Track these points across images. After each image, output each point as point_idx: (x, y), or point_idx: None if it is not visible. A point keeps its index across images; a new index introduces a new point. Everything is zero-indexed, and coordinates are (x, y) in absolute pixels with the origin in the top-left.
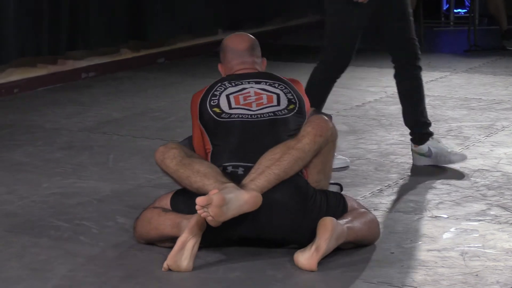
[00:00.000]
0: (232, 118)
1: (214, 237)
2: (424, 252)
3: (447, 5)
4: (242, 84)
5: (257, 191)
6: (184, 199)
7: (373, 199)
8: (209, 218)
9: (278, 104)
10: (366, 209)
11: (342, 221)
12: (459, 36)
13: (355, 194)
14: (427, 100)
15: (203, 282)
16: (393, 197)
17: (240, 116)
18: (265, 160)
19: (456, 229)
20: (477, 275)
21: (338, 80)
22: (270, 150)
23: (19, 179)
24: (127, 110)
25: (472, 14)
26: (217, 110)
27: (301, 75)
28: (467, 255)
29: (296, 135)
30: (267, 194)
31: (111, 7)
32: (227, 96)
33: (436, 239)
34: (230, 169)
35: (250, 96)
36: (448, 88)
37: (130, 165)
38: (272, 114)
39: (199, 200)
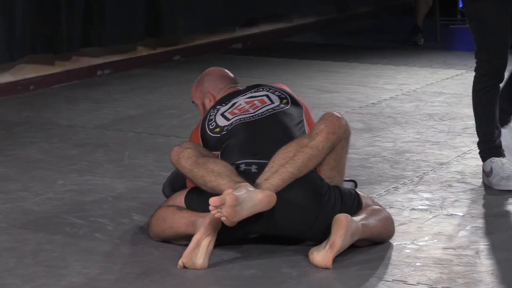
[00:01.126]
0: (233, 124)
1: (228, 235)
2: (440, 250)
3: None
4: (231, 101)
5: (271, 190)
6: (198, 198)
7: (389, 196)
8: (223, 219)
9: (272, 102)
10: (380, 206)
11: (357, 218)
12: None
13: (370, 192)
14: (443, 98)
15: (218, 280)
16: (408, 195)
17: (241, 119)
18: (279, 158)
19: (471, 227)
20: (492, 273)
21: (353, 78)
22: (283, 148)
23: (34, 176)
24: (142, 107)
25: None
26: (217, 130)
27: (313, 73)
28: (483, 253)
29: (303, 127)
30: (282, 193)
31: (128, 4)
32: (222, 115)
33: (452, 237)
34: (243, 167)
35: (243, 106)
36: (464, 86)
37: (146, 162)
38: (271, 110)
39: (212, 201)
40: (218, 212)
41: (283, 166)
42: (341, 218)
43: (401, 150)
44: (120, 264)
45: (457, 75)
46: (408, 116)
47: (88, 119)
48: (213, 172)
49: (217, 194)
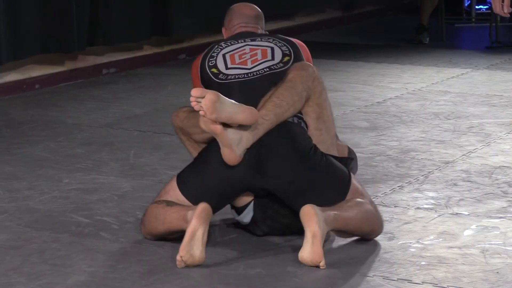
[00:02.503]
0: (229, 79)
1: (223, 192)
2: (445, 249)
3: (469, 2)
4: (238, 43)
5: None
6: (191, 173)
7: (394, 195)
8: (201, 112)
9: (273, 58)
10: (368, 198)
11: (330, 209)
12: (481, 33)
13: (375, 191)
14: (448, 97)
15: (223, 278)
16: (413, 194)
17: (236, 76)
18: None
19: (477, 226)
20: (498, 272)
21: (359, 77)
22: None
23: (40, 175)
24: (148, 106)
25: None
26: (214, 70)
27: (321, 72)
28: (488, 252)
29: None
30: (267, 137)
31: (134, 2)
32: (223, 56)
33: (457, 236)
34: None
35: (245, 53)
36: (470, 85)
37: (151, 161)
38: (267, 70)
39: (194, 91)
40: (198, 103)
41: (265, 101)
42: (307, 208)
43: (406, 149)
44: (125, 263)
45: (462, 74)
46: (414, 115)
47: (94, 118)
48: None
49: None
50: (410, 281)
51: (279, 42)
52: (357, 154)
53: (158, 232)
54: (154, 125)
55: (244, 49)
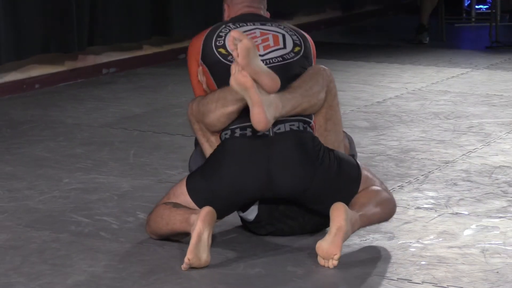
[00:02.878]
0: None
1: (232, 202)
2: (445, 249)
3: (469, 1)
4: (247, 25)
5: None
6: (201, 178)
7: (394, 195)
8: (234, 53)
9: (285, 46)
10: (378, 181)
11: (354, 209)
12: (481, 33)
13: None
14: (448, 96)
15: (223, 278)
16: (413, 194)
17: None
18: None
19: (477, 226)
20: (498, 272)
21: (359, 77)
22: None
23: (40, 175)
24: (148, 105)
25: (493, 10)
26: (223, 51)
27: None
28: (488, 252)
29: None
30: (274, 149)
31: (134, 2)
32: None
33: (457, 236)
34: (238, 132)
35: (256, 37)
36: (470, 85)
37: (151, 160)
38: (281, 59)
39: (234, 32)
40: (234, 44)
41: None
42: (339, 205)
43: (406, 149)
44: (125, 263)
45: (462, 73)
46: (414, 115)
47: (94, 118)
48: (218, 94)
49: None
50: (410, 281)
51: (290, 31)
52: (357, 154)
53: (162, 233)
54: (154, 125)
55: (255, 32)
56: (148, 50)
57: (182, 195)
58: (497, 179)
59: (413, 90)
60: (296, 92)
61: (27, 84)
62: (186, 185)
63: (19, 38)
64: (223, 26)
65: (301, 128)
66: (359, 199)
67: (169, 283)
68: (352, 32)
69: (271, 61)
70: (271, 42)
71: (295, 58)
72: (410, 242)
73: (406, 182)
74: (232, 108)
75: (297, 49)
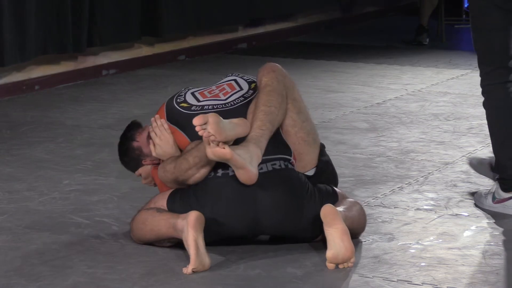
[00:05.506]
0: (205, 109)
1: (214, 236)
2: (445, 250)
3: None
4: (200, 86)
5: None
6: (180, 199)
7: (393, 196)
8: (211, 138)
9: (241, 88)
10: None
11: (340, 208)
12: None
13: (375, 192)
14: (448, 98)
15: (223, 279)
16: (413, 195)
17: (214, 106)
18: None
19: (476, 227)
20: (497, 273)
21: (358, 78)
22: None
23: (40, 176)
24: (147, 107)
25: None
26: (185, 105)
27: (319, 73)
28: (488, 253)
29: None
30: (260, 191)
31: (131, 3)
32: (192, 93)
33: (457, 237)
34: (220, 172)
35: (213, 90)
36: (469, 86)
37: None
38: (242, 99)
39: (196, 120)
40: (204, 130)
41: (254, 112)
42: (329, 208)
43: (406, 150)
44: (125, 264)
45: (462, 75)
46: (413, 116)
47: (94, 119)
48: (191, 148)
49: (203, 163)
50: (410, 282)
51: (238, 75)
52: (357, 155)
53: (147, 239)
54: None
55: (211, 87)
56: (147, 52)
57: (163, 208)
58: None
59: (413, 91)
60: (265, 122)
61: (27, 86)
62: (167, 204)
63: (22, 41)
64: (181, 90)
65: (282, 166)
66: (341, 203)
67: (168, 285)
68: (352, 33)
69: (234, 103)
70: (228, 89)
71: (254, 94)
72: (410, 244)
73: (406, 184)
74: (211, 165)
75: (253, 85)
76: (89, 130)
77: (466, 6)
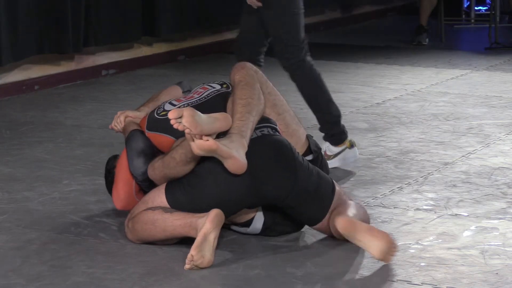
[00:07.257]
0: (181, 107)
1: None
2: (444, 250)
3: (468, 3)
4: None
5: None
6: (179, 188)
7: (393, 196)
8: (186, 131)
9: (213, 88)
10: (354, 199)
11: (349, 213)
12: (480, 34)
13: (375, 192)
14: (447, 98)
15: (223, 279)
16: (413, 195)
17: (189, 104)
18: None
19: (476, 227)
20: (497, 273)
21: (358, 78)
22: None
23: (40, 176)
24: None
25: (493, 12)
26: (164, 113)
27: (320, 73)
28: (487, 253)
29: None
30: (253, 157)
31: (131, 3)
32: (170, 102)
33: (456, 237)
34: None
35: (188, 96)
36: (469, 86)
37: None
38: (216, 91)
39: (171, 113)
40: (179, 123)
41: (231, 107)
42: (343, 221)
43: (406, 150)
44: (124, 264)
45: (461, 75)
46: (413, 116)
47: (93, 119)
48: (176, 146)
49: (189, 158)
50: (409, 282)
51: (211, 81)
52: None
53: (157, 239)
54: None
55: (186, 96)
56: (147, 52)
57: (163, 204)
58: (496, 181)
59: (413, 92)
60: (244, 113)
61: (26, 86)
62: (167, 199)
63: (19, 40)
64: (160, 104)
65: (271, 132)
66: (349, 208)
67: (168, 284)
68: (351, 33)
69: (209, 95)
70: (201, 90)
71: (228, 90)
72: (410, 244)
73: (406, 184)
74: (196, 160)
75: (225, 85)
76: (88, 130)
77: (465, 6)
